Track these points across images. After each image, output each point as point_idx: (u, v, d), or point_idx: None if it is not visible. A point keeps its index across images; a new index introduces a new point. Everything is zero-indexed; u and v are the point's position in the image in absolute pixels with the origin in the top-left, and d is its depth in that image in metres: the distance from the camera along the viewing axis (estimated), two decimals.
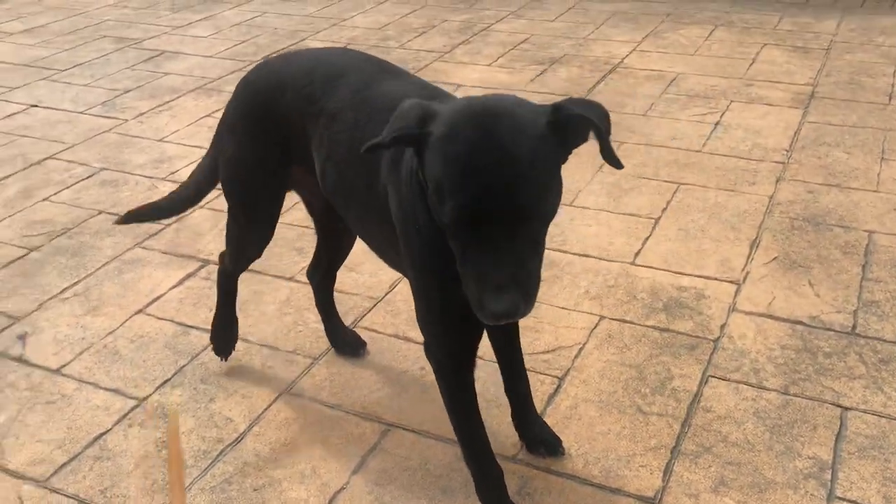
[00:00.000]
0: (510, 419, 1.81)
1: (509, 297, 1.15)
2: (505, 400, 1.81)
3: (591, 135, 1.27)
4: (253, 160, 1.76)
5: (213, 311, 2.07)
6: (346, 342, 2.13)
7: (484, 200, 1.15)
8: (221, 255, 2.01)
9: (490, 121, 1.18)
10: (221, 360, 2.09)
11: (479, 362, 1.56)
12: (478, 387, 1.58)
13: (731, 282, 2.34)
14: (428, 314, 1.48)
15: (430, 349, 1.53)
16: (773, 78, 3.75)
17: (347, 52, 1.73)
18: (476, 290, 1.18)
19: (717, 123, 3.32)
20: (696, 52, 4.13)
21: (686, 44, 4.26)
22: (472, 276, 1.19)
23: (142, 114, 3.68)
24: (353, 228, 1.70)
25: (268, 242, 1.89)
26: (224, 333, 2.08)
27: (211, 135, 3.45)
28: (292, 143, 1.69)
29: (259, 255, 1.93)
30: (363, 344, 2.13)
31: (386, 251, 1.61)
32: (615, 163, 1.27)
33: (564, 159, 1.27)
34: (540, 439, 1.80)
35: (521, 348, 1.76)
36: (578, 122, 1.23)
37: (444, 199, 1.18)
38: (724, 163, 3.00)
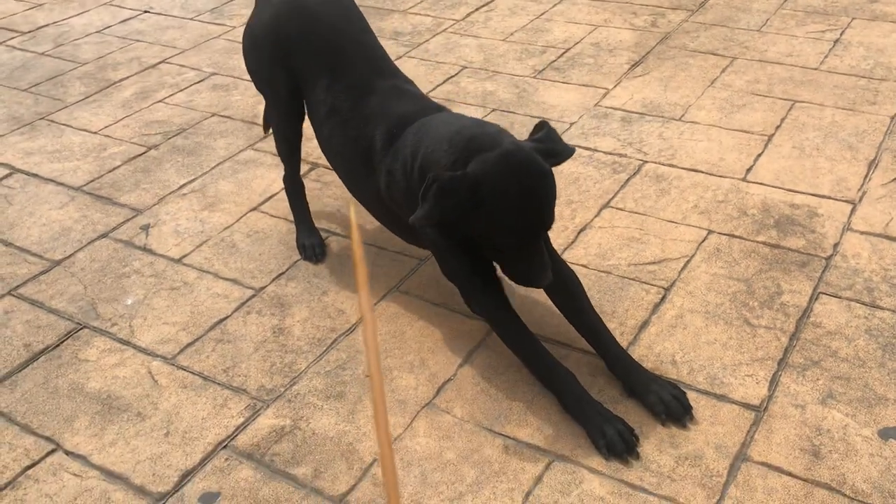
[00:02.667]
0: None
1: (548, 273, 1.65)
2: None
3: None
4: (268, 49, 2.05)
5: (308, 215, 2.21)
6: None
7: (533, 230, 1.63)
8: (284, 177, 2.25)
9: (527, 176, 1.59)
10: (314, 261, 2.17)
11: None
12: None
13: (846, 201, 2.27)
14: (456, 269, 1.78)
15: (472, 298, 1.78)
16: None
17: (356, 30, 2.02)
18: (525, 271, 1.66)
19: (836, 41, 3.17)
20: None
21: None
22: (521, 265, 1.66)
23: None
24: (354, 196, 2.01)
25: (298, 120, 2.12)
26: (309, 240, 2.20)
27: None
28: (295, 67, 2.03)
29: (296, 138, 2.15)
30: None
31: (388, 223, 1.95)
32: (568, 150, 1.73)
33: None
34: (659, 397, 1.66)
35: (586, 298, 1.81)
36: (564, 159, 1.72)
37: (503, 233, 1.61)
38: (843, 81, 2.88)
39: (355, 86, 1.93)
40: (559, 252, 2.15)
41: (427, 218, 1.58)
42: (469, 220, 1.64)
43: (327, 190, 2.48)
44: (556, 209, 2.31)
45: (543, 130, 1.72)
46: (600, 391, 1.74)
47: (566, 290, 1.81)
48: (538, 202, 1.60)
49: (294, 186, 2.22)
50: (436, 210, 1.57)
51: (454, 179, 1.57)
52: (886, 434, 1.61)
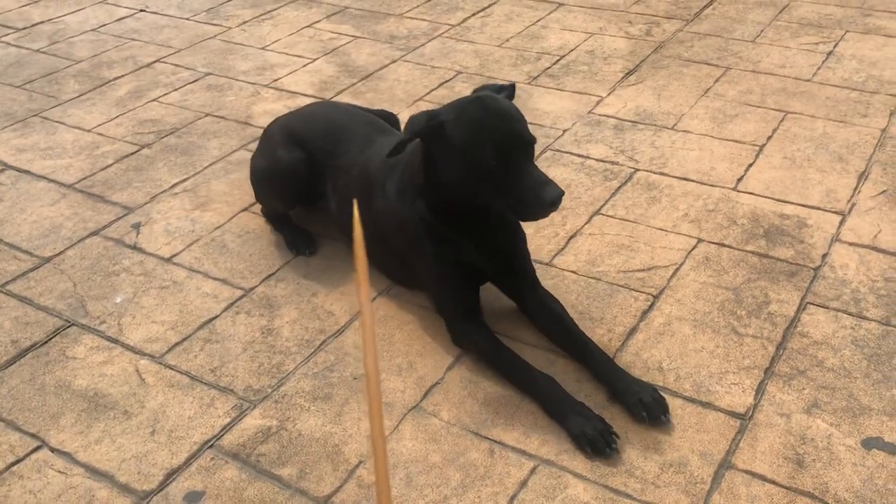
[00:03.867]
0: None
1: (556, 186, 1.65)
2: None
3: None
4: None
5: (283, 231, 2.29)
6: None
7: (511, 138, 1.67)
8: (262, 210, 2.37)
9: (482, 97, 1.73)
10: (307, 254, 2.20)
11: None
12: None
13: (835, 212, 2.29)
14: (443, 291, 1.88)
15: (456, 327, 1.86)
16: (893, 8, 3.56)
17: (346, 111, 2.25)
18: (531, 191, 1.65)
19: (829, 53, 3.19)
20: None
21: None
22: (522, 186, 1.66)
23: (245, 22, 3.74)
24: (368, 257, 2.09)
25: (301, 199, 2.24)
26: (299, 237, 2.24)
27: (311, 45, 3.49)
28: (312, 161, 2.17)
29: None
30: None
31: (394, 270, 2.04)
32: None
33: None
34: (639, 398, 1.67)
35: (570, 317, 1.87)
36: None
37: (481, 149, 1.66)
38: (835, 93, 2.90)
39: (357, 144, 2.11)
40: (549, 258, 2.16)
41: (398, 144, 1.72)
42: (442, 150, 1.72)
43: None
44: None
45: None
46: (587, 397, 1.74)
47: (546, 312, 1.87)
48: (497, 113, 1.69)
49: (280, 216, 2.32)
50: (405, 137, 1.72)
51: (418, 115, 1.74)
52: (869, 444, 1.62)
